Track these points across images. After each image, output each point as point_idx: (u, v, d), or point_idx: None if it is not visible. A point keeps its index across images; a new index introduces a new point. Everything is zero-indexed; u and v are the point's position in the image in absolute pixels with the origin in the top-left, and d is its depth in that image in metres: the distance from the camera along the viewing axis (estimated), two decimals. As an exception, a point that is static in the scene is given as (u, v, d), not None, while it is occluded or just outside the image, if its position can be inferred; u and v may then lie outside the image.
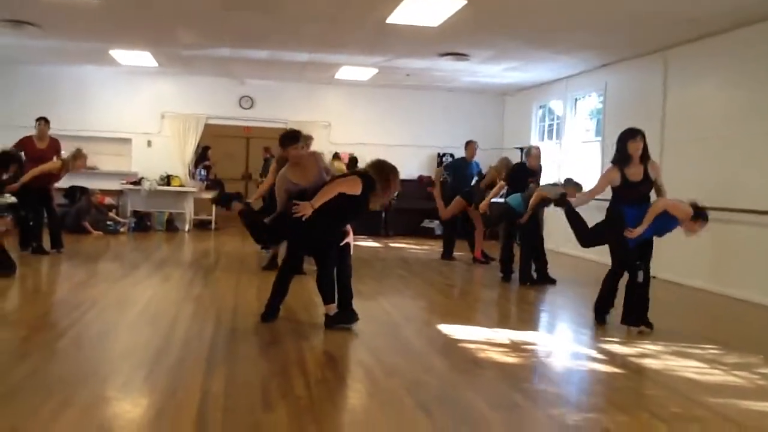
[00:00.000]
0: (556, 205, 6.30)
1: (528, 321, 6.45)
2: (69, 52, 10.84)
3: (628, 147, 5.54)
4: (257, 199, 7.82)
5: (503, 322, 6.07)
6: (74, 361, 4.35)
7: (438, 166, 13.06)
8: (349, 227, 5.49)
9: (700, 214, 5.41)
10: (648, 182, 5.62)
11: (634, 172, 5.57)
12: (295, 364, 4.32)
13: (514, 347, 5.03)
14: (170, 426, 3.25)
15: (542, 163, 8.49)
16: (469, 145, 9.76)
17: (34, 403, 3.44)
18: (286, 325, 5.41)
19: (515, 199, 7.81)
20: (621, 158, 5.59)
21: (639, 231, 5.42)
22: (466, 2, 6.99)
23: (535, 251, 7.81)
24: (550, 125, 12.41)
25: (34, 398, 3.52)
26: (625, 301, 5.63)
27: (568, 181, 7.59)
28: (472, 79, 11.98)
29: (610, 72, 10.14)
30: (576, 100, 11.42)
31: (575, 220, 5.96)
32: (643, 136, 5.57)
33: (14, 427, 3.10)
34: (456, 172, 9.66)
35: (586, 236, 5.95)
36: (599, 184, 5.83)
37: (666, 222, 5.48)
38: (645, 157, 5.59)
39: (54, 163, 8.58)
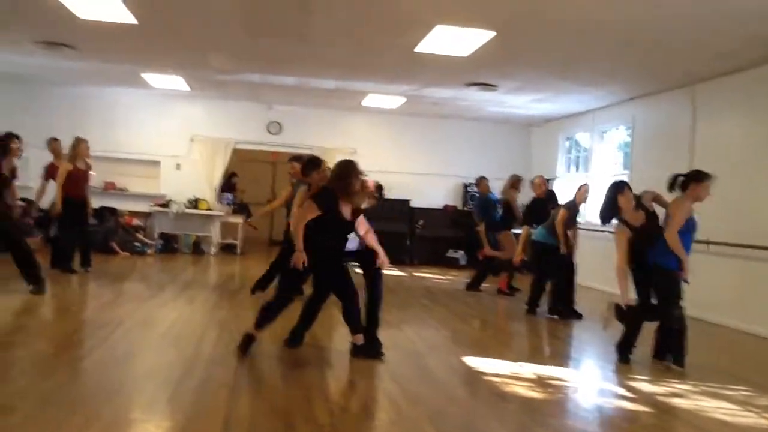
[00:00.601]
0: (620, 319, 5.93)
1: (554, 355, 6.37)
2: (102, 74, 11.07)
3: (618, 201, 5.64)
4: (262, 215, 7.81)
5: (529, 356, 5.99)
6: (99, 379, 4.37)
7: (470, 199, 13.12)
8: (380, 251, 5.35)
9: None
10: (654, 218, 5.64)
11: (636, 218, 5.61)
12: (319, 390, 4.31)
13: (540, 382, 4.96)
14: (193, 449, 3.25)
15: (551, 188, 8.59)
16: (481, 183, 9.77)
17: (59, 419, 3.47)
18: (311, 351, 5.40)
19: (539, 233, 7.79)
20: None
21: (687, 267, 5.40)
22: (495, 34, 7.04)
23: (565, 283, 7.73)
24: (577, 157, 12.37)
25: (60, 414, 3.54)
26: (661, 337, 5.55)
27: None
28: (498, 109, 12.01)
29: (638, 105, 10.11)
30: (603, 132, 11.39)
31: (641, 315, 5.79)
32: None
33: (40, 444, 3.11)
34: (485, 212, 9.56)
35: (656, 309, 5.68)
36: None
37: (687, 241, 5.44)
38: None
39: (64, 166, 8.62)
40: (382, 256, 5.32)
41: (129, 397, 4.06)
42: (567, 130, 12.52)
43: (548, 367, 5.47)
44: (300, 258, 4.90)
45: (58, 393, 3.93)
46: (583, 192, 7.86)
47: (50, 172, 8.88)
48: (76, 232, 8.73)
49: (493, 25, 6.85)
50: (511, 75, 9.23)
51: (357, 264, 5.54)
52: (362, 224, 5.34)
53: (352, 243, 5.36)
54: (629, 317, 5.69)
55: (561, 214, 7.63)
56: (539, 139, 13.59)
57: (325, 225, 5.01)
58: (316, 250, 4.98)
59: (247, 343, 5.06)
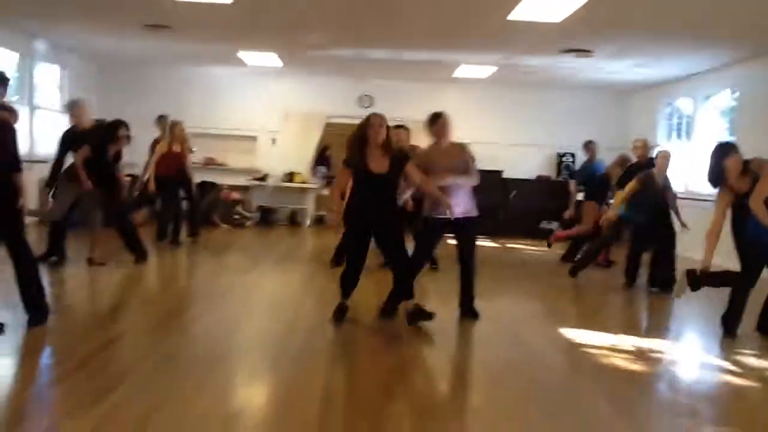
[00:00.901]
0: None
1: (654, 328, 6.19)
2: (199, 54, 11.45)
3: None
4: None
5: (628, 328, 5.84)
6: (206, 347, 4.59)
7: (564, 170, 12.82)
8: (441, 198, 5.18)
9: None
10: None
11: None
12: (416, 360, 4.38)
13: (640, 354, 4.84)
14: (295, 413, 3.37)
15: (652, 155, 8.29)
16: (588, 146, 9.46)
17: (171, 384, 3.68)
18: (404, 321, 5.48)
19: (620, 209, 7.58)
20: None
21: None
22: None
23: (663, 255, 7.46)
24: (678, 124, 11.83)
25: (171, 380, 3.77)
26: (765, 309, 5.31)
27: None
28: (594, 76, 11.61)
29: (744, 68, 9.53)
30: (707, 97, 10.83)
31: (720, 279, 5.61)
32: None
33: (157, 404, 3.32)
34: (586, 178, 9.30)
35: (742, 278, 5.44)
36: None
37: None
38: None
39: (160, 147, 9.01)
40: (445, 204, 5.18)
41: (234, 364, 4.25)
42: (667, 95, 11.96)
43: (649, 339, 5.33)
44: (331, 219, 5.16)
45: (169, 359, 4.17)
46: (661, 160, 7.48)
47: (156, 145, 9.37)
48: (177, 206, 9.16)
49: (589, -13, 6.62)
50: (608, 39, 8.88)
51: (451, 234, 5.54)
52: (414, 173, 5.15)
53: (457, 209, 5.30)
54: (701, 284, 5.50)
55: (630, 186, 7.33)
56: (638, 106, 13.06)
57: (358, 184, 5.09)
58: (351, 212, 5.09)
59: (339, 312, 5.21)
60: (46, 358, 4.21)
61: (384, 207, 5.11)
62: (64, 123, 11.41)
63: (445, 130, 5.43)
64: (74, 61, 11.90)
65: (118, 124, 7.24)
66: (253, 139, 13.32)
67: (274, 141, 13.36)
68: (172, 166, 8.98)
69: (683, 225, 7.49)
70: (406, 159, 5.19)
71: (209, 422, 3.15)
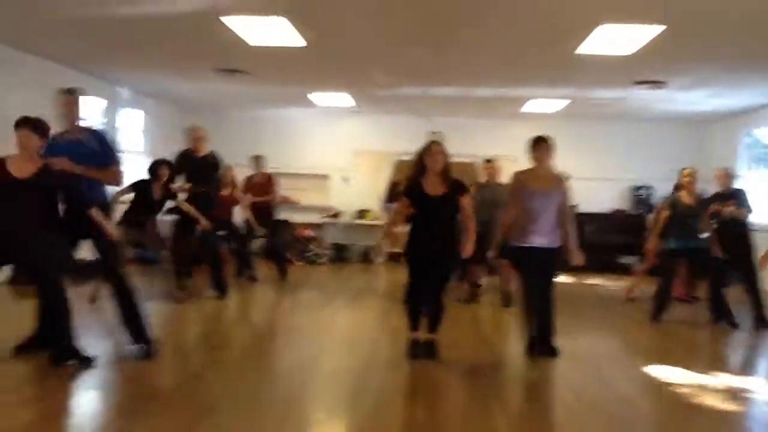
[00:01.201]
0: None
1: (745, 366, 5.93)
2: (273, 96, 11.84)
3: None
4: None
5: (716, 366, 5.59)
6: (284, 384, 4.66)
7: (639, 203, 12.50)
8: (470, 239, 5.10)
9: None
10: None
11: None
12: (495, 398, 4.31)
13: (732, 393, 4.62)
14: (378, 449, 3.38)
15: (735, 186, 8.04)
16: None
17: (256, 418, 3.77)
18: (484, 356, 5.43)
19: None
20: None
21: None
22: (664, 28, 6.70)
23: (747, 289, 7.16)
24: (765, 153, 11.40)
25: (252, 418, 3.82)
26: None
27: None
28: (668, 107, 11.37)
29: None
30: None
31: None
32: None
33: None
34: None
35: None
36: None
37: None
38: None
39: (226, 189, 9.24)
40: (468, 247, 5.09)
41: (312, 402, 4.30)
42: (746, 125, 11.57)
43: (739, 377, 5.10)
44: (378, 247, 5.09)
45: (249, 397, 4.25)
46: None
47: (245, 182, 9.84)
48: (246, 241, 9.54)
49: (662, 19, 6.53)
50: (683, 71, 8.70)
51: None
52: (466, 205, 5.10)
53: (540, 238, 5.28)
54: None
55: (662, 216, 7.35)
56: (716, 136, 12.68)
57: (415, 213, 5.09)
58: (409, 242, 5.12)
59: (413, 347, 5.18)
60: (129, 393, 4.34)
61: (439, 235, 5.04)
62: (146, 164, 12.01)
63: (547, 155, 5.36)
64: (155, 106, 12.48)
65: (158, 164, 7.47)
66: (326, 177, 13.57)
67: (345, 179, 13.58)
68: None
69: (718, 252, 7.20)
70: (464, 188, 5.13)
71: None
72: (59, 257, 4.61)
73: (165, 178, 7.32)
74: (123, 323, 4.85)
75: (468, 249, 5.09)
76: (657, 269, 7.95)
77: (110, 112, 10.90)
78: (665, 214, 7.48)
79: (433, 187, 5.02)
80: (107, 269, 4.84)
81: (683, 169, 7.75)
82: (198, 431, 3.47)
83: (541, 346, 5.33)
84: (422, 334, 5.22)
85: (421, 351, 5.16)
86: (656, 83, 9.39)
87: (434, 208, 5.02)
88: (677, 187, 8.15)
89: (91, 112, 10.64)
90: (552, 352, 5.32)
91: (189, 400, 4.07)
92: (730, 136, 12.01)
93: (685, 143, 12.91)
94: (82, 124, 4.92)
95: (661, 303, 7.27)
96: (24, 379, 4.41)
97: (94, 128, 4.92)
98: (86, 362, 4.53)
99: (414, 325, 5.26)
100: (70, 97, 4.77)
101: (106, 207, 4.98)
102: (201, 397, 4.16)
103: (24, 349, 4.76)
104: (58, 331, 4.51)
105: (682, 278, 8.68)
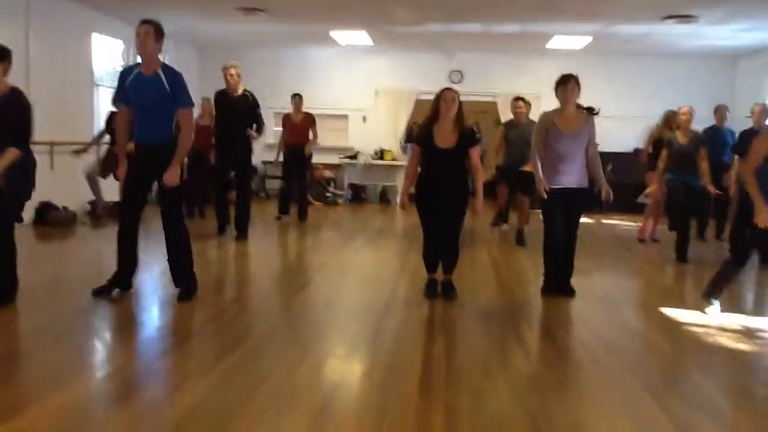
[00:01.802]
0: None
1: (763, 307, 5.91)
2: (293, 35, 11.67)
3: None
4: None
5: (734, 307, 5.57)
6: (308, 318, 4.77)
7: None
8: (478, 193, 5.17)
9: None
10: None
11: None
12: (513, 336, 4.36)
13: (748, 334, 4.63)
14: (396, 384, 3.44)
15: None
16: (718, 111, 8.88)
17: (278, 353, 3.86)
18: (500, 298, 5.47)
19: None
20: None
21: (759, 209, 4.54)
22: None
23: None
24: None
25: (278, 349, 3.95)
26: None
27: None
28: (697, 42, 11.06)
29: None
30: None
31: None
32: None
33: (263, 374, 3.47)
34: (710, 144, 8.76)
35: None
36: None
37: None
38: None
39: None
40: (477, 202, 5.17)
41: (336, 335, 4.40)
42: (777, 59, 11.26)
43: (756, 318, 5.09)
44: (402, 201, 5.38)
45: (275, 330, 4.38)
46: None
47: (283, 120, 10.00)
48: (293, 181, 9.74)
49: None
50: (713, 3, 8.43)
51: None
52: (474, 156, 5.16)
53: (567, 177, 5.24)
54: None
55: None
56: (745, 73, 12.35)
57: (425, 159, 5.16)
58: (419, 188, 5.19)
59: (430, 288, 5.31)
60: (158, 329, 4.45)
61: (448, 182, 5.12)
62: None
63: (572, 95, 5.26)
64: (174, 47, 12.36)
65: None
66: (344, 117, 13.48)
67: (364, 119, 13.49)
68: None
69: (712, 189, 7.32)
70: (474, 139, 5.21)
71: (312, 393, 3.26)
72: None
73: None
74: (171, 263, 4.93)
75: (478, 203, 5.17)
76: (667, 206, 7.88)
77: (128, 53, 10.83)
78: (664, 152, 7.60)
79: (444, 137, 5.08)
80: (167, 209, 4.88)
81: (680, 107, 7.70)
82: (220, 368, 3.55)
83: (561, 285, 5.35)
84: (439, 276, 5.33)
85: (439, 291, 5.27)
86: (686, 17, 9.11)
87: (443, 159, 5.11)
88: (669, 126, 8.32)
89: (110, 53, 10.60)
90: (570, 292, 5.36)
91: (211, 338, 4.17)
92: (759, 70, 11.68)
93: (713, 80, 12.61)
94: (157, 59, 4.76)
95: (681, 243, 7.27)
96: (56, 318, 4.52)
97: (170, 67, 4.82)
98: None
99: (432, 266, 5.35)
100: (141, 28, 4.63)
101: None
102: (223, 334, 4.25)
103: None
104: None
105: (655, 217, 8.54)
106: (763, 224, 4.50)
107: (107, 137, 8.55)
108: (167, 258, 4.94)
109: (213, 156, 8.74)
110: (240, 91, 7.70)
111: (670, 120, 8.53)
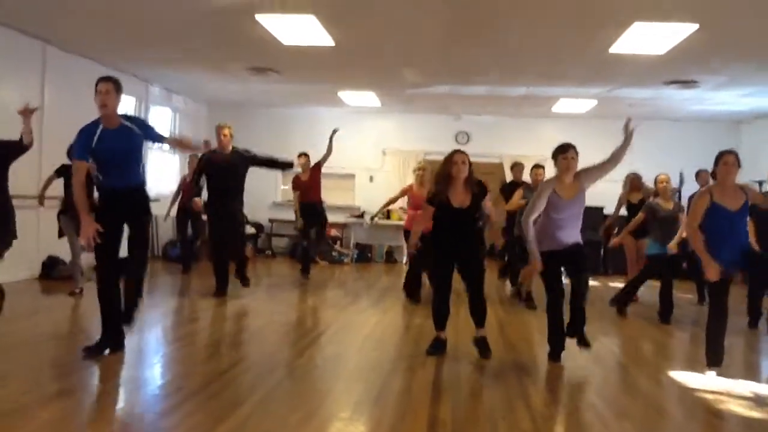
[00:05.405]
0: None
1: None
2: (302, 94, 11.90)
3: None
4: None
5: (744, 373, 5.50)
6: (312, 378, 4.70)
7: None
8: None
9: None
10: None
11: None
12: (520, 398, 4.29)
13: (759, 401, 4.54)
14: (402, 449, 3.38)
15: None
16: (700, 175, 9.00)
17: (282, 414, 3.80)
18: (508, 358, 5.40)
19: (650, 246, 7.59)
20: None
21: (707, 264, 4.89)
22: (697, 26, 6.61)
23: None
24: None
25: (282, 409, 3.88)
26: None
27: None
28: (701, 107, 11.23)
29: None
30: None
31: None
32: None
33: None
34: None
35: None
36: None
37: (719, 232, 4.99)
38: None
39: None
40: (493, 211, 5.47)
41: (340, 396, 4.33)
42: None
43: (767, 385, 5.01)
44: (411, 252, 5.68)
45: (279, 390, 4.30)
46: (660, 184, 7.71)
47: (293, 182, 10.06)
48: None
49: (696, 17, 6.44)
50: (715, 70, 8.59)
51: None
52: (486, 205, 5.40)
53: (567, 240, 5.24)
54: None
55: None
56: (750, 137, 12.47)
57: (440, 219, 5.27)
58: (435, 245, 5.31)
59: (436, 345, 5.33)
60: (161, 387, 4.39)
61: (465, 240, 5.27)
62: (175, 163, 12.15)
63: (573, 165, 5.30)
64: (184, 104, 12.62)
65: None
66: (351, 176, 13.59)
67: (371, 178, 13.60)
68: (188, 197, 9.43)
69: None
70: (484, 191, 5.35)
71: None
72: None
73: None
74: (126, 303, 4.95)
75: (493, 212, 5.51)
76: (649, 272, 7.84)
77: (140, 109, 11.03)
78: (641, 216, 7.74)
79: (458, 197, 5.22)
80: (139, 253, 4.90)
81: (658, 175, 8.01)
82: (224, 427, 3.49)
83: (575, 334, 5.24)
84: (444, 334, 5.41)
85: (442, 348, 5.36)
86: (688, 83, 9.27)
87: (459, 219, 5.26)
88: (636, 188, 8.77)
89: (123, 109, 10.79)
90: (585, 342, 5.24)
91: (215, 397, 4.10)
92: (763, 136, 11.79)
93: (717, 144, 12.45)
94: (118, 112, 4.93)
95: (666, 306, 7.41)
96: (53, 371, 4.48)
97: (129, 115, 5.05)
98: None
99: (441, 323, 5.39)
100: (102, 86, 4.78)
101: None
102: (227, 393, 4.18)
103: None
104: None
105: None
106: (713, 278, 4.83)
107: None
108: (123, 299, 4.92)
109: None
110: (230, 149, 7.85)
111: (633, 183, 8.74)
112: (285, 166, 8.54)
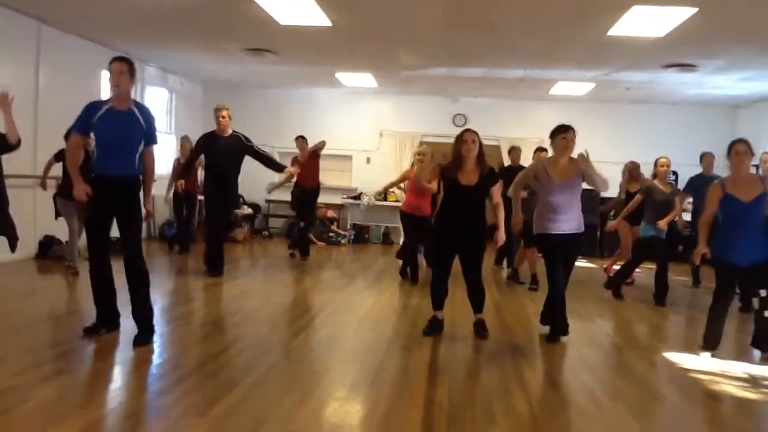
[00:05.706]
0: None
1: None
2: (300, 76, 11.83)
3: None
4: None
5: (739, 354, 5.53)
6: (308, 359, 4.70)
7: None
8: (500, 226, 5.40)
9: None
10: None
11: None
12: (516, 380, 4.31)
13: (754, 382, 4.58)
14: (397, 428, 3.39)
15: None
16: (704, 158, 8.90)
17: (277, 395, 3.80)
18: (504, 340, 5.42)
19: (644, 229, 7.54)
20: None
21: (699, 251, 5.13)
22: (696, 10, 6.58)
23: None
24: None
25: (277, 391, 3.88)
26: None
27: None
28: (699, 91, 11.20)
29: None
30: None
31: None
32: None
33: (264, 414, 3.43)
34: (696, 192, 8.78)
35: None
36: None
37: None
38: None
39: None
40: (500, 235, 5.38)
41: (336, 377, 4.34)
42: (779, 109, 11.36)
43: (762, 366, 5.03)
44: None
45: (274, 371, 4.31)
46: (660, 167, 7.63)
47: (292, 163, 9.84)
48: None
49: (695, 1, 6.40)
50: (714, 53, 8.55)
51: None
52: (495, 194, 5.41)
53: (565, 224, 5.27)
54: None
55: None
56: (747, 122, 12.46)
57: (447, 195, 5.34)
58: (439, 223, 5.39)
59: (433, 326, 5.40)
60: (157, 366, 4.40)
61: (469, 220, 5.29)
62: (171, 143, 12.09)
63: (570, 146, 5.30)
64: (180, 84, 12.54)
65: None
66: (349, 158, 13.57)
67: (368, 160, 13.58)
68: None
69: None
70: (495, 177, 5.38)
71: (313, 435, 3.21)
72: None
73: None
74: (133, 302, 4.84)
75: (500, 237, 5.38)
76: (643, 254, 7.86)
77: (136, 91, 10.95)
78: (638, 198, 7.72)
79: (466, 175, 5.24)
80: (129, 246, 4.84)
81: (659, 158, 7.86)
82: (220, 407, 3.51)
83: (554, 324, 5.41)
84: (441, 314, 5.48)
85: (439, 328, 5.42)
86: (686, 66, 9.24)
87: (465, 197, 5.27)
88: (634, 178, 8.70)
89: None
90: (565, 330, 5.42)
91: (212, 377, 4.11)
92: (762, 121, 11.78)
93: (714, 128, 12.69)
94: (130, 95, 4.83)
95: (661, 288, 7.43)
96: (49, 351, 4.49)
97: (142, 104, 4.90)
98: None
99: (438, 303, 5.45)
100: (116, 66, 4.69)
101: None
102: (223, 373, 4.20)
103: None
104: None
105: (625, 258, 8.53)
106: (696, 261, 5.24)
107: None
108: (130, 297, 4.83)
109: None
110: (229, 132, 7.77)
111: (632, 173, 8.72)
112: (279, 168, 8.40)
